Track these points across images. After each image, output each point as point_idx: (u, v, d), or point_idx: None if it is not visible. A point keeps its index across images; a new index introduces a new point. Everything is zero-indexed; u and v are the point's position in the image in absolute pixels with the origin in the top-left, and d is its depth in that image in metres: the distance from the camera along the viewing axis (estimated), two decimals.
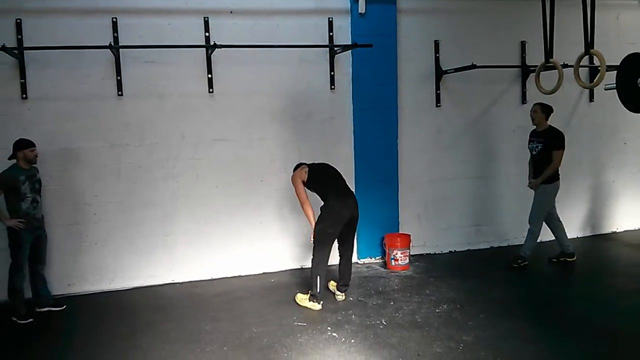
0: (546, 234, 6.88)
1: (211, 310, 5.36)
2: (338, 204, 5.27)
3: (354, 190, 6.57)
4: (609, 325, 4.69)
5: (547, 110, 6.28)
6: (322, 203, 5.36)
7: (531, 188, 6.40)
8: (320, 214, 5.31)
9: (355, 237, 5.61)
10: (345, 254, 5.54)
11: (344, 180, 5.52)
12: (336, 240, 5.40)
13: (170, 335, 4.78)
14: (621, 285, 5.80)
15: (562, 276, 6.29)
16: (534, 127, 6.41)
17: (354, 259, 6.68)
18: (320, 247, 5.29)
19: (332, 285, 5.71)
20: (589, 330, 4.65)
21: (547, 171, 6.18)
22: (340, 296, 5.54)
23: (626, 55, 4.08)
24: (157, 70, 5.98)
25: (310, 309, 5.28)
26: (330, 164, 5.59)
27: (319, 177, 5.41)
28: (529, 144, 6.45)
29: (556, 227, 6.56)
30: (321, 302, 5.31)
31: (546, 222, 6.51)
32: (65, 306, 5.52)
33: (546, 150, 6.22)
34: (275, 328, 4.86)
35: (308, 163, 5.55)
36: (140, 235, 6.08)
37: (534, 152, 6.38)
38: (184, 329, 4.93)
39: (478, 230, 7.34)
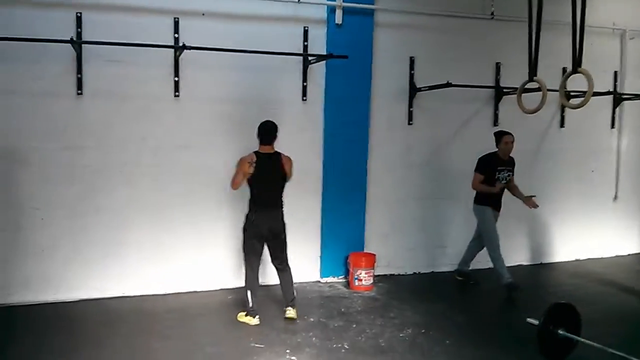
0: (511, 259, 6.86)
1: (162, 327, 5.06)
2: (257, 216, 5.12)
3: (320, 205, 6.46)
4: (584, 356, 4.51)
5: None
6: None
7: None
8: (244, 221, 5.20)
9: (286, 251, 5.33)
10: (281, 270, 5.35)
11: (281, 187, 5.23)
12: (269, 254, 5.30)
13: (117, 353, 4.48)
14: (591, 314, 5.70)
15: (531, 301, 6.15)
16: (497, 156, 6.42)
17: (316, 277, 6.57)
18: (246, 259, 5.22)
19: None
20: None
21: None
22: (290, 312, 5.29)
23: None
24: (121, 70, 5.67)
25: (248, 324, 5.14)
26: (283, 159, 5.20)
27: (258, 178, 5.09)
28: (498, 174, 6.38)
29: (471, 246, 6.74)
30: (257, 317, 5.15)
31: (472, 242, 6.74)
32: None
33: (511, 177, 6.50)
34: (230, 349, 4.60)
35: (262, 152, 5.15)
36: (91, 243, 5.72)
37: (503, 181, 6.41)
38: (131, 346, 4.62)
39: (443, 252, 7.21)
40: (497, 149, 6.39)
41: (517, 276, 6.36)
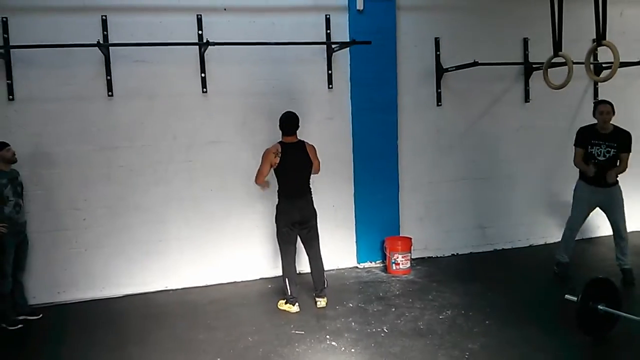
0: (552, 236, 6.70)
1: (205, 318, 5.17)
2: (287, 205, 5.20)
3: (352, 191, 6.46)
4: (625, 331, 4.43)
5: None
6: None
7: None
8: (275, 212, 5.30)
9: (318, 239, 5.38)
10: (312, 256, 5.40)
11: (307, 175, 5.26)
12: (302, 243, 5.37)
13: (163, 345, 4.59)
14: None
15: (572, 281, 6.04)
16: (584, 126, 5.77)
17: (353, 262, 6.60)
18: (281, 248, 5.31)
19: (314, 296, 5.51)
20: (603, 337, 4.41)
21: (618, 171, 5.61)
22: (321, 302, 5.35)
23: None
24: (149, 69, 5.79)
25: (288, 311, 5.22)
26: (307, 148, 5.24)
27: (284, 167, 5.15)
28: (591, 148, 5.63)
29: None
30: (297, 304, 5.25)
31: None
32: (41, 315, 5.32)
33: (617, 154, 5.58)
34: (271, 337, 4.66)
35: (286, 142, 5.20)
36: (132, 240, 5.88)
37: (601, 157, 5.60)
38: (176, 338, 4.73)
39: (482, 233, 7.14)
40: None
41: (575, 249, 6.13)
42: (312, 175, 5.34)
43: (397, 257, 6.29)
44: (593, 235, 7.53)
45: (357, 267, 6.60)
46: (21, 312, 5.22)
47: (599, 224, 7.37)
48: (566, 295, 4.44)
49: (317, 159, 5.33)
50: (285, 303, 5.29)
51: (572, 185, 5.96)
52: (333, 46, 6.22)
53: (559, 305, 5.05)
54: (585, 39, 6.49)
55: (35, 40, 5.33)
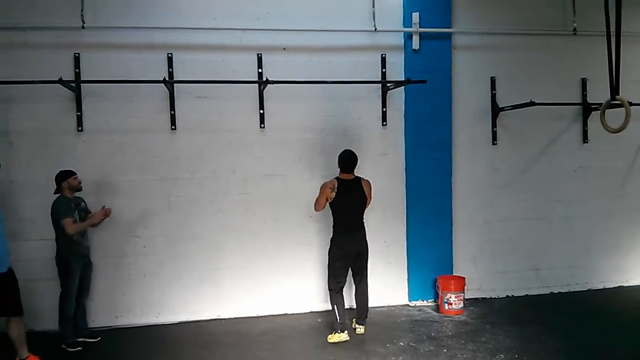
0: (611, 281, 6.45)
1: (255, 349, 5.22)
2: (342, 239, 5.33)
3: (405, 228, 6.45)
4: None
5: None
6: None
7: None
8: (330, 245, 5.41)
9: (367, 269, 5.52)
10: (359, 285, 5.53)
11: (362, 210, 5.42)
12: (351, 273, 5.49)
13: None
14: None
15: (634, 324, 5.80)
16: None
17: (405, 300, 6.54)
18: (331, 281, 5.39)
19: (353, 321, 5.67)
20: None
21: None
22: (360, 329, 5.53)
23: None
24: (210, 105, 6.05)
25: (338, 342, 5.27)
26: (363, 184, 5.41)
27: (340, 203, 5.32)
28: None
29: None
30: (346, 332, 5.31)
31: None
32: (99, 338, 5.51)
33: None
34: None
35: (342, 178, 5.37)
36: (188, 268, 6.06)
37: None
38: None
39: (537, 275, 6.96)
40: None
41: (633, 296, 5.84)
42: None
43: (450, 297, 6.20)
44: None
45: (408, 305, 6.54)
46: (80, 335, 5.41)
47: None
48: None
49: (370, 196, 5.47)
50: (335, 333, 5.31)
51: (631, 227, 5.78)
52: (388, 85, 6.33)
53: (618, 352, 4.88)
54: None
55: (104, 75, 5.69)
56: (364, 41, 6.39)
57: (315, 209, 5.49)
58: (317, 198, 5.41)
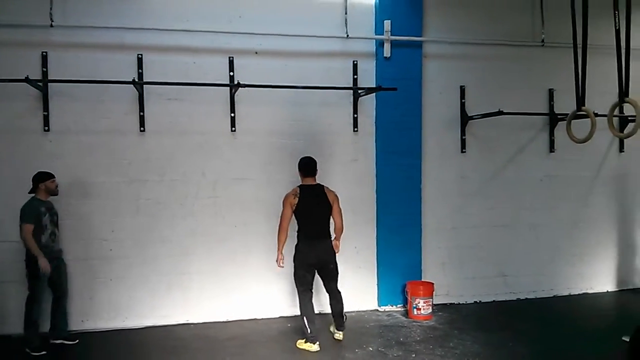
0: (576, 288, 6.54)
1: (224, 354, 5.16)
2: (304, 246, 5.27)
3: (374, 234, 6.48)
4: None
5: None
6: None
7: None
8: (294, 252, 5.32)
9: (337, 279, 5.43)
10: (331, 293, 5.44)
11: (327, 218, 5.36)
12: (321, 280, 5.41)
13: None
14: None
15: (598, 331, 5.91)
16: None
17: (374, 305, 6.56)
18: (298, 289, 5.34)
19: (332, 326, 5.61)
20: None
21: None
22: (338, 335, 5.47)
23: None
24: (181, 107, 6.00)
25: (308, 350, 5.18)
26: (326, 191, 5.36)
27: (303, 208, 5.25)
28: None
29: None
30: (317, 343, 5.20)
31: None
32: (77, 341, 5.43)
33: None
34: None
35: (305, 185, 5.35)
36: (156, 272, 5.97)
37: None
38: None
39: (504, 281, 7.06)
40: None
41: (597, 303, 5.96)
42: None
43: (419, 302, 6.23)
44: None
45: (377, 310, 6.56)
46: (59, 337, 5.34)
47: None
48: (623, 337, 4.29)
49: (339, 211, 5.37)
50: (305, 342, 5.26)
51: (595, 235, 5.90)
52: (359, 91, 6.38)
53: (585, 357, 4.96)
54: (612, 91, 6.48)
55: (74, 75, 5.59)
56: (336, 47, 6.43)
57: (280, 225, 5.28)
58: (282, 211, 5.29)
